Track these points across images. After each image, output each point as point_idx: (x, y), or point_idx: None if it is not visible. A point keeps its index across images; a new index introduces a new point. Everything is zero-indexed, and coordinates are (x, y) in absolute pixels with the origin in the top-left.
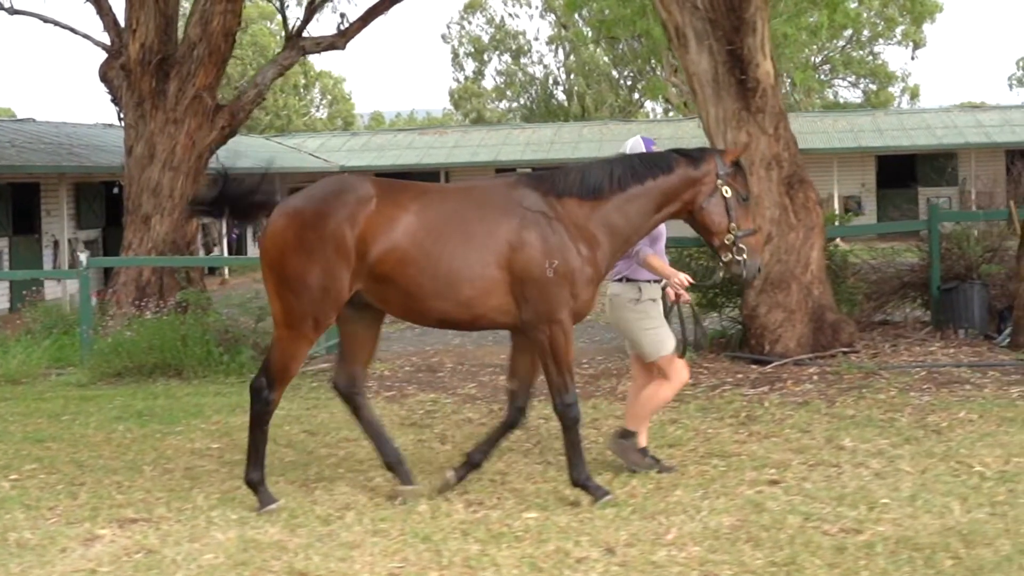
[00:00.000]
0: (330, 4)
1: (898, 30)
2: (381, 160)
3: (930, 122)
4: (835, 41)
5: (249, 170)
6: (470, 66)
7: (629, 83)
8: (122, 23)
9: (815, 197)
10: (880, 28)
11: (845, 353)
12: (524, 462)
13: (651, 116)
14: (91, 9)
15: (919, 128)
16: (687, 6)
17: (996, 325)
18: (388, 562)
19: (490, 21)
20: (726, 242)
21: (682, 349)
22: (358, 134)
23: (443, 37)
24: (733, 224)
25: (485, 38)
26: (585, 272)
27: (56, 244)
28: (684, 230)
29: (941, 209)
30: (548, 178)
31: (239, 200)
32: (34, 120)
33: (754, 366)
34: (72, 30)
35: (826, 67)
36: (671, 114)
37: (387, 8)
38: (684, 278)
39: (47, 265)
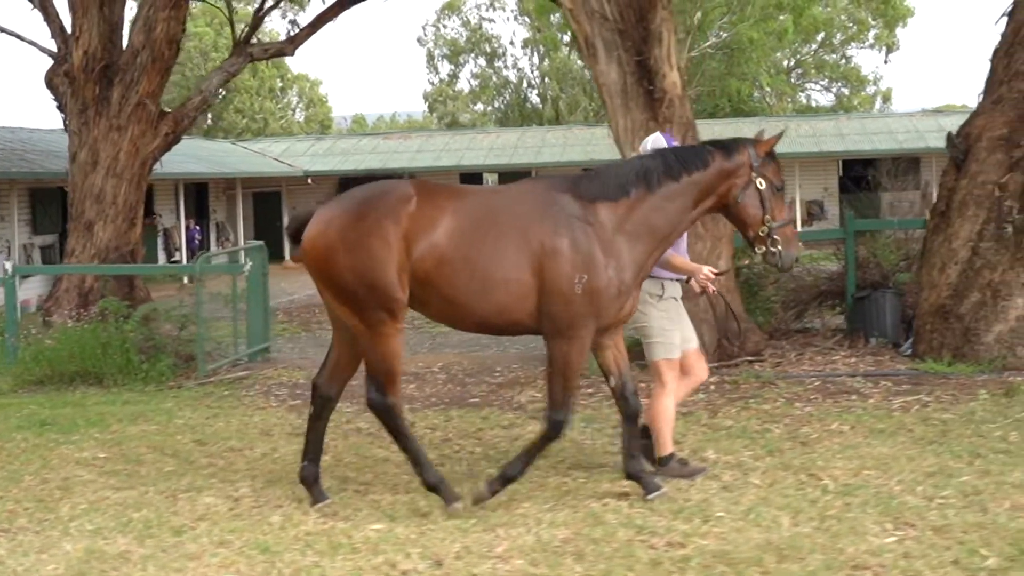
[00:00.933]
0: (279, 11)
1: (871, 34)
2: (345, 164)
3: (893, 127)
4: (810, 45)
5: (202, 175)
6: (445, 68)
7: None
8: (69, 30)
9: None
10: (853, 31)
11: (751, 362)
12: (395, 472)
13: None
14: (39, 16)
15: (882, 132)
16: (596, 17)
17: (906, 333)
18: (221, 573)
19: (466, 24)
20: (760, 234)
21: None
22: (323, 138)
23: (419, 40)
24: (768, 216)
25: (461, 41)
26: (611, 289)
27: (8, 250)
28: None
29: (856, 217)
30: (584, 180)
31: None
32: None
33: None
34: (19, 37)
35: (798, 71)
36: None
37: (335, 15)
38: (708, 270)
39: None
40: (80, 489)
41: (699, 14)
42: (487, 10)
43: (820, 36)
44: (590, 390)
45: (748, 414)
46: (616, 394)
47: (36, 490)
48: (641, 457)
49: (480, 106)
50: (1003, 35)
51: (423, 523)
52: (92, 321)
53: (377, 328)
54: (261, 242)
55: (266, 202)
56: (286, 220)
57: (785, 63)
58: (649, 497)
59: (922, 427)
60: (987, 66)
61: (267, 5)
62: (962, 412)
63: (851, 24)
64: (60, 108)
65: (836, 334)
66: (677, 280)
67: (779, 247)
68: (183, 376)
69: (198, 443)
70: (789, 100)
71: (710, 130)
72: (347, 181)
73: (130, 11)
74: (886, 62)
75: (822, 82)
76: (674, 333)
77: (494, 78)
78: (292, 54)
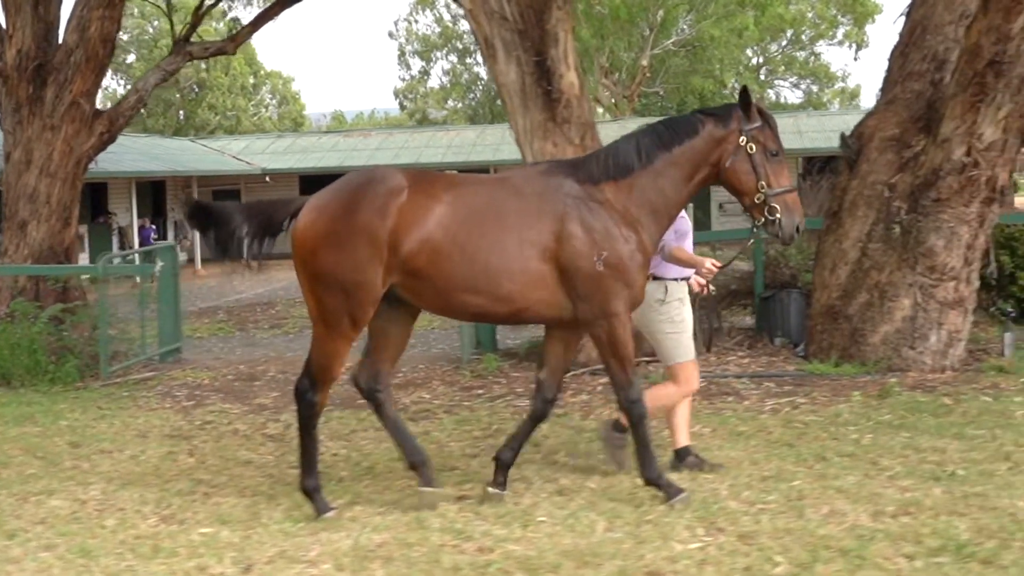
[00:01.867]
0: (221, 8)
1: (840, 31)
2: (304, 163)
3: (851, 123)
4: (779, 42)
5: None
6: (416, 65)
7: None
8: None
9: None
10: (822, 28)
11: (647, 363)
12: (251, 475)
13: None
14: None
15: (840, 130)
16: (496, 17)
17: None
18: None
19: (438, 20)
20: (756, 201)
21: (707, 343)
22: (283, 136)
23: (390, 34)
24: (762, 183)
25: (433, 37)
26: (636, 259)
27: None
28: None
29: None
30: (582, 163)
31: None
32: None
33: None
34: None
35: (767, 68)
36: (605, 116)
37: (277, 13)
38: (712, 263)
39: None
40: None
41: (661, 12)
42: (459, 6)
43: (789, 33)
44: (500, 391)
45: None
46: (536, 387)
47: None
48: (512, 454)
49: (451, 103)
50: (900, 35)
51: (252, 527)
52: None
53: (335, 328)
54: (172, 243)
55: (225, 200)
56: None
57: (754, 60)
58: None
59: (782, 430)
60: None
61: (207, 3)
62: (828, 415)
63: (820, 21)
64: None
65: (742, 334)
66: (682, 280)
67: (778, 215)
68: (92, 377)
69: (72, 445)
70: (758, 97)
71: None
72: (307, 179)
73: (67, 10)
74: (856, 59)
75: (791, 79)
76: (683, 335)
77: (465, 75)
78: (233, 52)
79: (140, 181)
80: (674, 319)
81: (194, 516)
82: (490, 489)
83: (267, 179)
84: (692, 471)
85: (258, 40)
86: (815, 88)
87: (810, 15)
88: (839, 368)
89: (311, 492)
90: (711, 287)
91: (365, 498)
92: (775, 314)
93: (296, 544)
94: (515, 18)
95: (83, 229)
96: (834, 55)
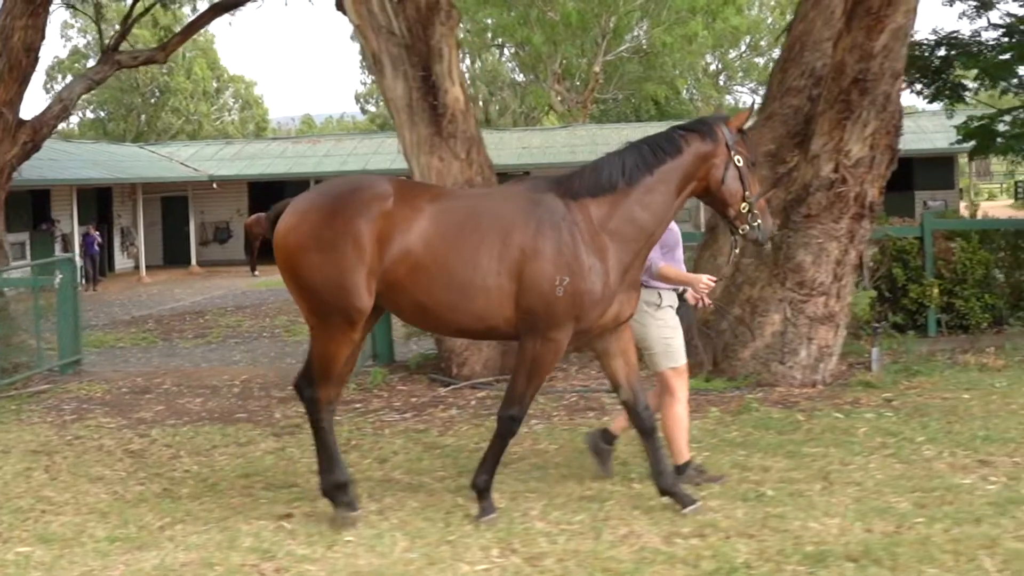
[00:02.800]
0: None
1: None
2: (251, 169)
3: None
4: (737, 48)
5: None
6: None
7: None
8: None
9: None
10: (780, 35)
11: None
12: (95, 492)
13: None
14: None
15: None
16: (383, 32)
17: None
18: None
19: None
20: (742, 211)
21: (710, 358)
22: (232, 142)
23: (351, 37)
24: (748, 192)
25: None
26: (593, 294)
27: None
28: None
29: None
30: (567, 179)
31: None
32: None
33: (443, 389)
34: None
35: (726, 74)
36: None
37: (207, 22)
38: (707, 279)
39: None
40: None
41: (613, 19)
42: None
43: (748, 39)
44: (377, 405)
45: (479, 432)
46: (628, 408)
47: None
48: (670, 472)
49: None
50: (781, 51)
51: (70, 546)
52: None
53: (331, 331)
54: (70, 255)
55: (174, 206)
56: (192, 224)
57: (713, 66)
58: (685, 511)
59: (624, 448)
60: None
61: (136, 12)
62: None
63: (777, 27)
64: None
65: None
66: (673, 288)
67: (758, 221)
68: None
69: None
70: (716, 104)
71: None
72: (256, 186)
73: None
74: None
75: (750, 85)
76: (675, 340)
77: None
78: (164, 61)
79: (84, 188)
80: (669, 324)
81: (19, 535)
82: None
83: (214, 186)
84: (693, 483)
85: (222, 45)
86: None
87: (769, 21)
88: (709, 383)
89: (330, 491)
90: (707, 300)
91: (193, 516)
92: None
93: (104, 564)
94: (403, 33)
95: (25, 236)
96: None
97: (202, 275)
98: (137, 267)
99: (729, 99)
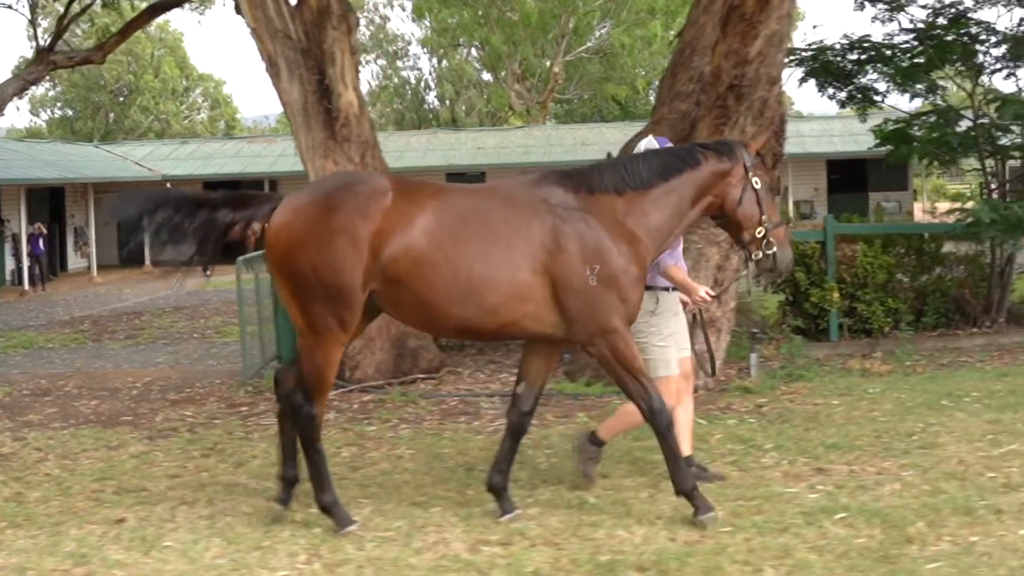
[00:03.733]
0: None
1: None
2: (206, 169)
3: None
4: None
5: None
6: None
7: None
8: None
9: None
10: None
11: (423, 379)
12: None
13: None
14: None
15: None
16: (279, 36)
17: None
18: None
19: (370, 22)
20: (757, 235)
21: (712, 367)
22: (187, 142)
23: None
24: (764, 216)
25: (363, 39)
26: (631, 273)
27: None
28: None
29: None
30: (577, 175)
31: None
32: None
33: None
34: None
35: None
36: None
37: (146, 23)
38: (705, 291)
39: None
40: None
41: (573, 19)
42: (385, 7)
43: None
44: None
45: (345, 436)
46: (514, 400)
47: None
48: (503, 477)
49: (380, 106)
50: (672, 56)
51: None
52: None
53: (322, 335)
54: None
55: None
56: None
57: None
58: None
59: (478, 452)
60: None
61: (72, 12)
62: (536, 437)
63: None
64: None
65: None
66: (673, 290)
67: (774, 249)
68: None
69: None
70: None
71: (599, 133)
72: (210, 186)
73: None
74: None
75: None
76: (668, 349)
77: (395, 78)
78: (101, 62)
79: (35, 188)
80: (663, 332)
81: None
82: (502, 519)
83: (168, 185)
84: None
85: (191, 44)
86: None
87: None
88: (589, 388)
89: (329, 508)
90: (702, 311)
91: (31, 520)
92: None
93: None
94: (299, 37)
95: None
96: None
97: (157, 275)
98: (89, 267)
99: None
